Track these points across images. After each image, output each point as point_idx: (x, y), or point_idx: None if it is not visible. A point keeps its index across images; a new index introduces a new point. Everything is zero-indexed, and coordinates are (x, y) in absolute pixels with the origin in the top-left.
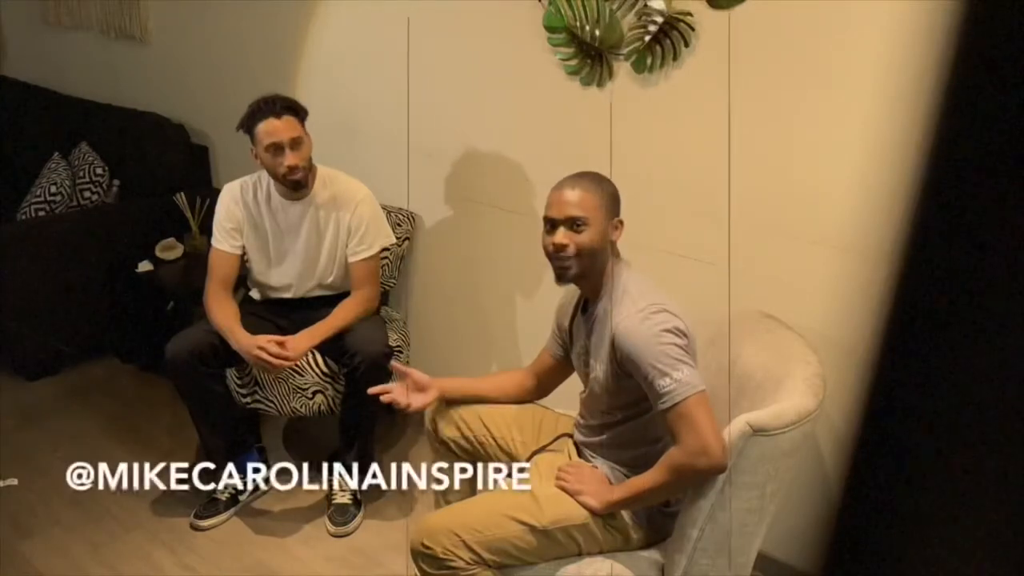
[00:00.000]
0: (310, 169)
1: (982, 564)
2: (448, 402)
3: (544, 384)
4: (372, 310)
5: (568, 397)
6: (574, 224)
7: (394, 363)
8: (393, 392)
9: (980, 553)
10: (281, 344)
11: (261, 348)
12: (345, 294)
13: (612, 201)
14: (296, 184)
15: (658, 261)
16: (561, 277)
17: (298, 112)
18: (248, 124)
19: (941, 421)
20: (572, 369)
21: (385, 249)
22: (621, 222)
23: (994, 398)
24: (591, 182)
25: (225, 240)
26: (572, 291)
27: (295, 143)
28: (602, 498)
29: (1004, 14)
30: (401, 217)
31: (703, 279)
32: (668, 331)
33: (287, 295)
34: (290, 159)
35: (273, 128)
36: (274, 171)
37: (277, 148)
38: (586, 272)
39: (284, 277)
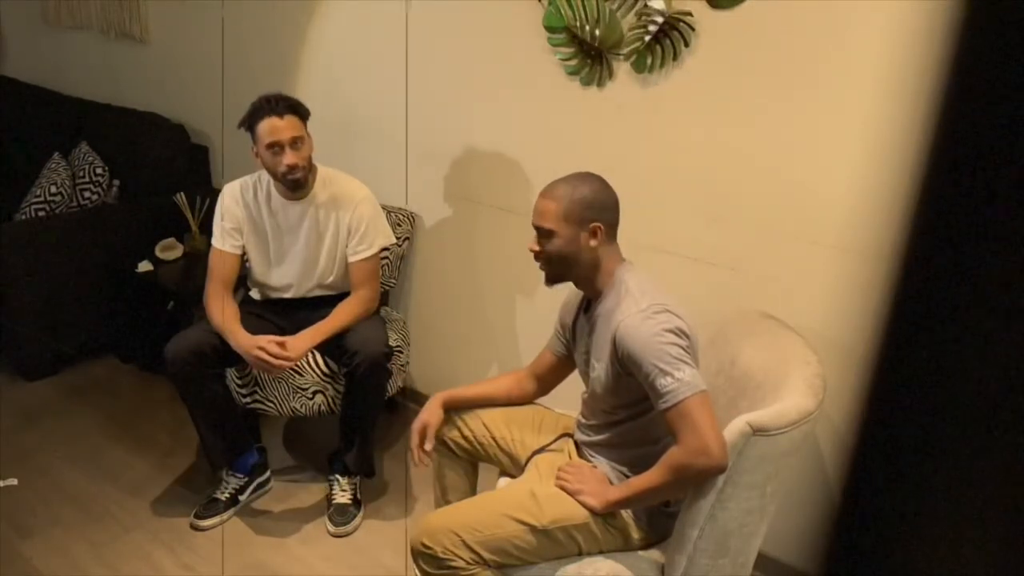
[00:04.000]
0: (310, 169)
1: (981, 564)
2: (452, 409)
3: (545, 382)
4: (372, 310)
5: (568, 397)
6: (541, 232)
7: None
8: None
9: (979, 553)
10: (281, 344)
11: (261, 348)
12: (345, 294)
13: (585, 208)
14: (296, 184)
15: (658, 261)
16: (545, 279)
17: (300, 112)
18: (249, 122)
19: (941, 421)
20: (573, 367)
21: (385, 249)
22: (599, 228)
23: (993, 398)
24: (563, 190)
25: (225, 240)
26: (576, 290)
27: (296, 142)
28: (602, 497)
29: (1004, 14)
30: (401, 217)
31: (703, 279)
32: (670, 331)
33: (287, 295)
34: (290, 158)
35: (274, 127)
36: (274, 170)
37: (278, 147)
38: (562, 276)
39: (284, 277)
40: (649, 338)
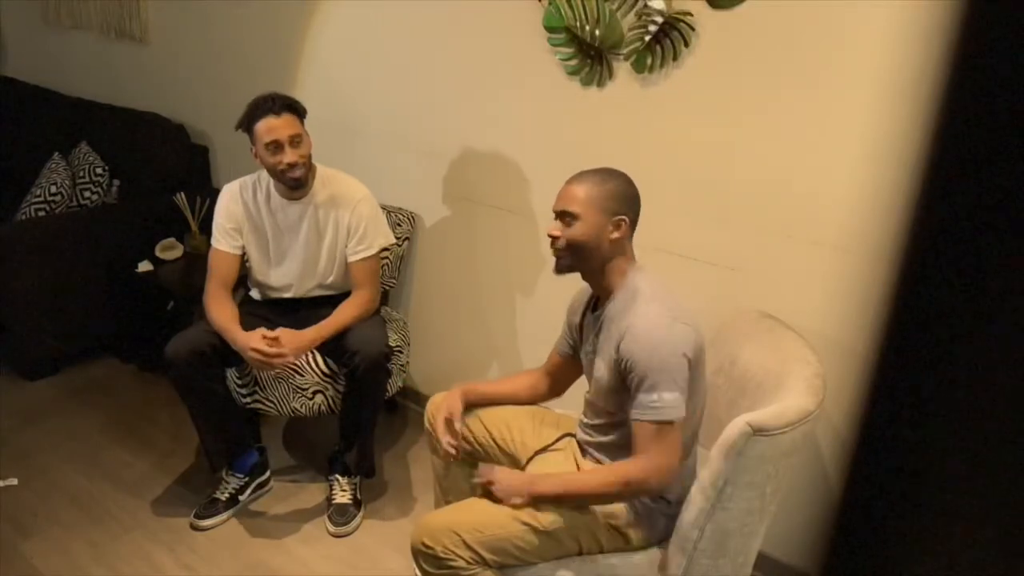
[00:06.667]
0: (310, 167)
1: (981, 565)
2: (472, 404)
3: (558, 383)
4: (372, 310)
5: (569, 397)
6: (566, 217)
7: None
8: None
9: (979, 554)
10: (275, 339)
11: (255, 349)
12: (346, 294)
13: (613, 199)
14: (296, 182)
15: (658, 261)
16: (555, 267)
17: (297, 110)
18: (247, 122)
19: (941, 421)
20: (581, 368)
21: (385, 249)
22: (624, 221)
23: (994, 398)
24: (594, 178)
25: (225, 240)
26: (584, 289)
27: (294, 140)
28: (527, 489)
29: (1004, 14)
30: (401, 217)
31: (703, 279)
32: (678, 349)
33: (287, 295)
34: (290, 156)
35: (272, 126)
36: (274, 169)
37: (277, 146)
38: (577, 266)
39: (284, 277)
40: (655, 347)
